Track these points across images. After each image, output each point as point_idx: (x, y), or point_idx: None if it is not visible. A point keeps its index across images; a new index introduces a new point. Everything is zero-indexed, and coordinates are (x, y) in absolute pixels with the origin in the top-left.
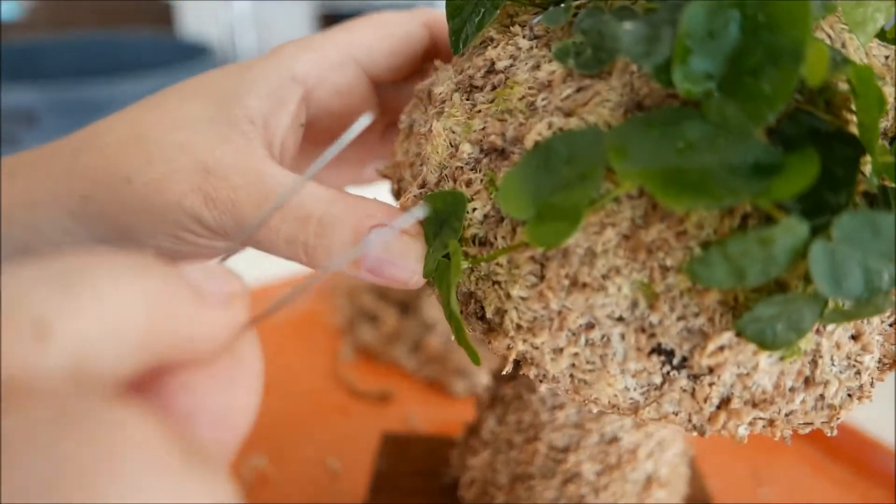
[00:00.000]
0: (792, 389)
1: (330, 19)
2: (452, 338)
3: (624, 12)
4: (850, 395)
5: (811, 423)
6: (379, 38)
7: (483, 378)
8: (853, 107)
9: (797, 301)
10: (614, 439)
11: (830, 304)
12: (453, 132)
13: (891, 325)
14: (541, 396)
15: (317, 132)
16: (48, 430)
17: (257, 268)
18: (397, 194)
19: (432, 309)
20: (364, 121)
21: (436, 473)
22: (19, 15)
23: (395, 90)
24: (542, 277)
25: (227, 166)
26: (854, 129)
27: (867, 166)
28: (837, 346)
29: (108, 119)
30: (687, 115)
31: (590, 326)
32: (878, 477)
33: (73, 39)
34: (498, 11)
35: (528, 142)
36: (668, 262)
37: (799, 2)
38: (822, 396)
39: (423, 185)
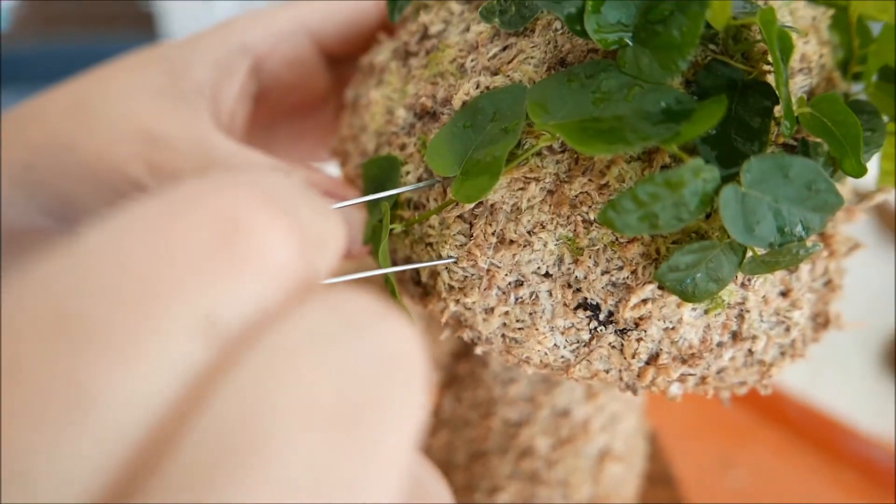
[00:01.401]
0: (720, 344)
1: None
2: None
3: None
4: (782, 353)
5: (745, 383)
6: (332, 9)
7: None
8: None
9: (714, 249)
10: (565, 412)
11: (750, 255)
12: (390, 99)
13: (824, 285)
14: (493, 372)
15: (270, 105)
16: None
17: None
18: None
19: None
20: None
21: None
22: (8, 23)
23: (351, 68)
24: (470, 236)
25: (172, 135)
26: (771, 80)
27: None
28: (765, 301)
29: (51, 91)
30: (604, 68)
31: (518, 284)
32: (846, 460)
33: (60, 47)
34: None
35: (456, 102)
36: (592, 216)
37: None
38: (750, 352)
39: (363, 154)
